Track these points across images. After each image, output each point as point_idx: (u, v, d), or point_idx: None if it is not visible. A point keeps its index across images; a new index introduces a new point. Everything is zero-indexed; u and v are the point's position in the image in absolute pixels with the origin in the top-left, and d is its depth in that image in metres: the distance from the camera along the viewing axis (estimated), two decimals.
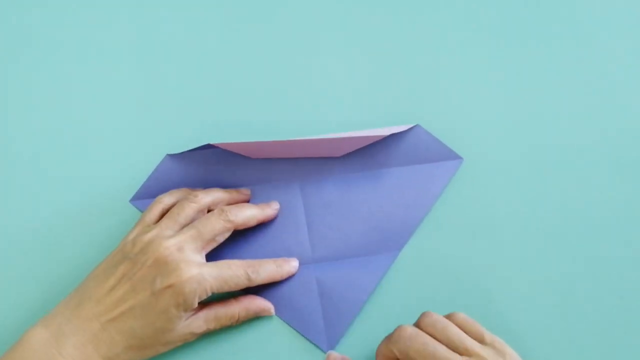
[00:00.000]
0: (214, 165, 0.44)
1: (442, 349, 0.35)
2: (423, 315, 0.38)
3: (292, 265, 0.42)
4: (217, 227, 0.39)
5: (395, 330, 0.37)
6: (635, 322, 0.42)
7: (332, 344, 0.41)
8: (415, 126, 0.46)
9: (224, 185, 0.44)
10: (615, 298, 0.42)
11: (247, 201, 0.44)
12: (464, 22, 0.50)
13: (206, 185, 0.44)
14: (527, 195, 0.45)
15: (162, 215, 0.41)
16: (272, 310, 0.41)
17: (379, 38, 0.50)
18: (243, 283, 0.39)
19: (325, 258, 0.43)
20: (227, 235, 0.40)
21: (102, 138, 0.47)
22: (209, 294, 0.38)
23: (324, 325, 0.41)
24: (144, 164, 0.45)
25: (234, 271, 0.39)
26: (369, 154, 0.45)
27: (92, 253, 0.43)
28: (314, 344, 0.41)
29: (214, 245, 0.40)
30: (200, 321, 0.39)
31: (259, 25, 0.50)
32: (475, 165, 0.46)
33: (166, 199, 0.42)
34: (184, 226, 0.39)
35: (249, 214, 0.41)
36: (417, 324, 0.37)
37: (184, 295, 0.36)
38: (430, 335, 0.36)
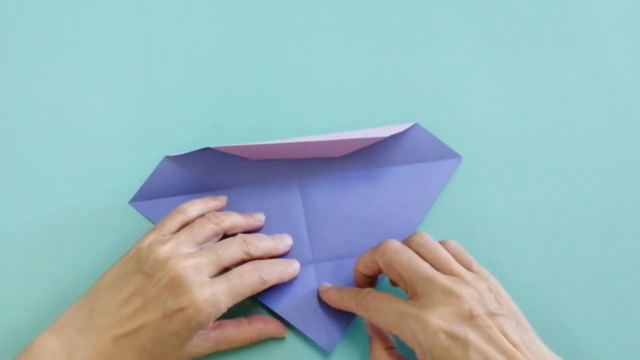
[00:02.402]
0: (213, 166, 0.44)
1: (426, 265, 0.36)
2: (414, 234, 0.38)
3: (294, 267, 0.41)
4: (236, 256, 0.39)
5: (382, 242, 0.38)
6: (634, 322, 0.41)
7: (332, 342, 0.40)
8: (414, 125, 0.46)
9: (223, 186, 0.44)
10: (614, 298, 0.42)
11: (261, 227, 0.43)
12: (464, 22, 0.50)
13: (205, 186, 0.44)
14: (526, 194, 0.45)
15: (182, 227, 0.40)
16: (285, 333, 0.41)
17: (379, 38, 0.50)
18: (257, 289, 0.38)
19: (325, 258, 0.43)
20: (239, 263, 0.40)
21: (101, 139, 0.47)
22: (224, 311, 0.37)
23: (324, 324, 0.41)
24: (144, 164, 0.45)
25: (246, 280, 0.38)
26: (369, 153, 0.45)
27: (92, 254, 0.43)
28: (314, 343, 0.41)
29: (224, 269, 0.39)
30: (211, 343, 0.38)
31: (258, 26, 0.51)
32: (474, 164, 0.46)
33: (189, 211, 0.41)
34: (200, 244, 0.39)
35: (266, 249, 0.41)
36: (407, 241, 0.38)
37: (197, 319, 0.36)
38: (418, 253, 0.37)
